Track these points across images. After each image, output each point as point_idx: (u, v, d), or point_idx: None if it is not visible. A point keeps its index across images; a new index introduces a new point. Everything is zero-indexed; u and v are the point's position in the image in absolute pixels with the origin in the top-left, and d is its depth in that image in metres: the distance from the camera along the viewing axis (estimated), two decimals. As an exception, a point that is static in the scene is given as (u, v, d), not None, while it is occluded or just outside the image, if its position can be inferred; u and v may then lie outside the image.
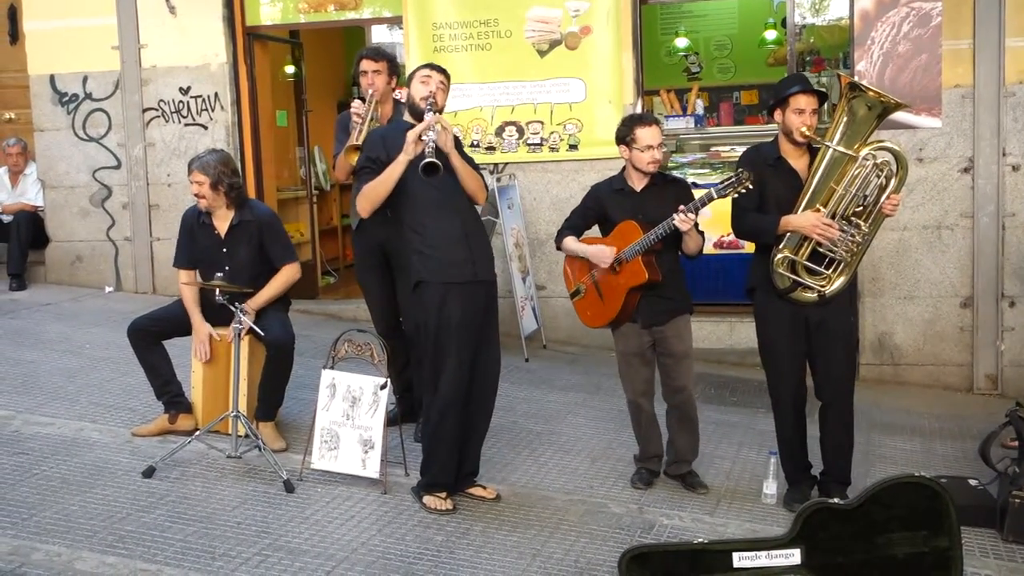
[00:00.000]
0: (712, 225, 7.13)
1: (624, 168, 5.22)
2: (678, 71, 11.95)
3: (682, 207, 4.86)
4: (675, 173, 7.94)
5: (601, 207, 5.24)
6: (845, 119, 4.87)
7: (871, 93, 4.86)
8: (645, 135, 5.03)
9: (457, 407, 4.88)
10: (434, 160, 4.56)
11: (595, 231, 5.36)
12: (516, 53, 8.40)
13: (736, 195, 4.87)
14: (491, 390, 5.10)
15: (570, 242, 5.26)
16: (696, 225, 5.01)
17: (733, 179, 4.84)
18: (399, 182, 4.81)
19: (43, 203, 9.61)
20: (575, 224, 5.30)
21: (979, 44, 7.52)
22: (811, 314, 5.02)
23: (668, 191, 5.05)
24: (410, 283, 4.98)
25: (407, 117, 5.01)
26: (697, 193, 5.11)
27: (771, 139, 5.20)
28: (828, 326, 5.03)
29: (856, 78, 5.01)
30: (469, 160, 5.02)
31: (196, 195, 5.67)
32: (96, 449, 5.56)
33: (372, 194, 4.84)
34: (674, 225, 4.87)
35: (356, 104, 5.72)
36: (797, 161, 5.03)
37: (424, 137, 4.64)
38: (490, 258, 5.06)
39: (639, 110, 8.32)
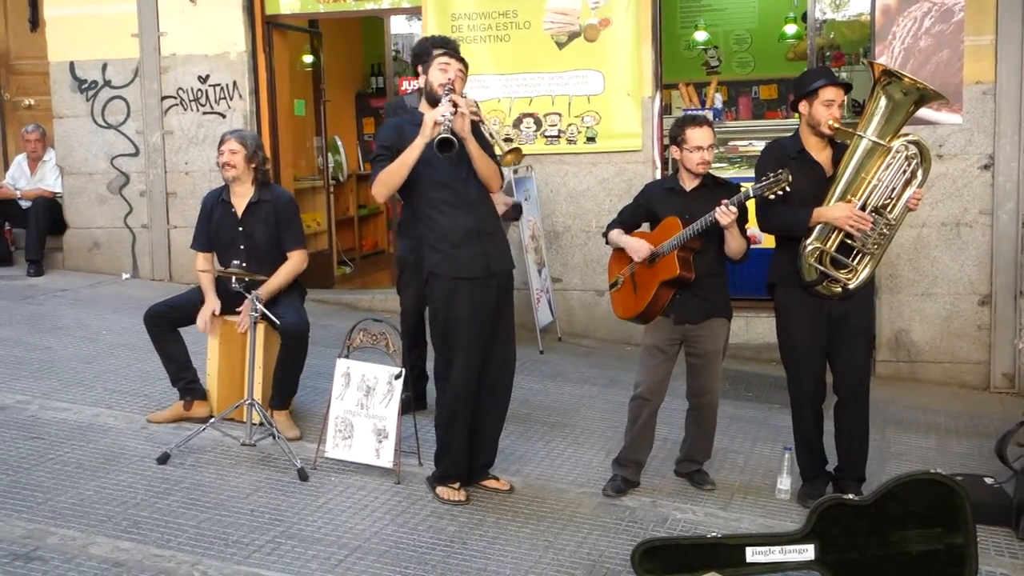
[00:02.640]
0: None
1: (678, 168, 5.20)
2: (697, 65, 11.92)
3: (724, 201, 4.82)
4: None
5: (651, 205, 5.22)
6: (880, 108, 4.79)
7: (907, 80, 4.77)
8: (695, 136, 4.98)
9: (467, 400, 4.88)
10: (448, 136, 4.55)
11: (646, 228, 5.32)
12: (535, 44, 8.38)
13: (773, 196, 4.79)
14: (506, 382, 5.09)
15: (614, 234, 5.25)
16: (744, 231, 5.00)
17: (771, 179, 4.77)
18: (412, 175, 4.81)
19: (61, 189, 9.65)
20: (625, 220, 5.29)
21: (1001, 40, 7.46)
22: (833, 308, 4.99)
23: (718, 193, 4.97)
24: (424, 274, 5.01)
25: (423, 105, 4.99)
26: None
27: (790, 134, 5.17)
28: (849, 320, 5.01)
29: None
30: (488, 148, 5.00)
31: (225, 163, 5.70)
32: (112, 435, 5.58)
33: (388, 179, 4.81)
34: (712, 220, 4.82)
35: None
36: (820, 154, 5.01)
37: (440, 119, 4.62)
38: (505, 249, 5.03)
39: (658, 104, 8.31)
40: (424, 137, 4.67)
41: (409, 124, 4.89)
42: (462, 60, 5.02)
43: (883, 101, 4.80)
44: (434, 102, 4.83)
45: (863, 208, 4.81)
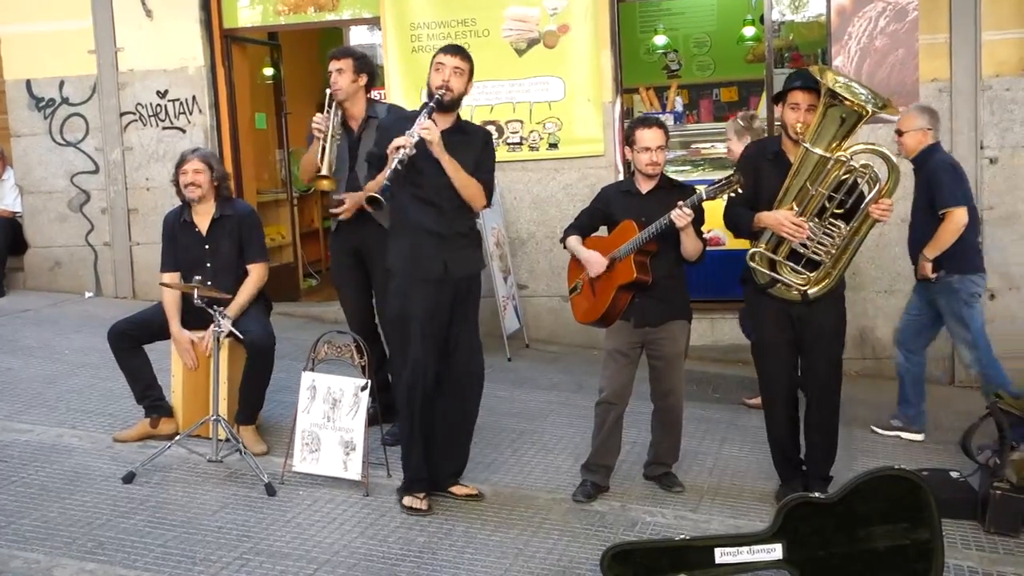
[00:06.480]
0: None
1: (634, 171, 5.22)
2: (657, 69, 11.98)
3: (680, 203, 4.83)
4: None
5: (607, 208, 5.24)
6: (824, 119, 4.73)
7: (847, 104, 4.65)
8: (643, 136, 5.01)
9: (421, 398, 4.84)
10: (376, 195, 4.53)
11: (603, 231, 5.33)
12: (494, 52, 8.38)
13: (726, 197, 4.85)
14: (473, 387, 5.07)
15: (572, 242, 5.25)
16: (701, 233, 5.03)
17: (724, 181, 4.84)
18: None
19: (21, 209, 9.56)
20: (582, 224, 5.30)
21: (955, 38, 7.55)
22: (794, 310, 4.98)
23: (674, 196, 4.98)
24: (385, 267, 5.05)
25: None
26: None
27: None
28: (813, 324, 4.99)
29: (833, 75, 4.84)
30: (485, 163, 4.93)
31: (191, 184, 5.66)
32: (76, 455, 5.52)
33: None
34: (668, 222, 4.84)
35: (317, 118, 5.63)
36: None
37: (398, 154, 4.58)
38: (469, 255, 4.99)
39: (618, 108, 8.33)
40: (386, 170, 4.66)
41: (402, 120, 4.89)
42: (460, 54, 4.86)
43: (826, 113, 4.75)
44: (432, 100, 4.80)
45: (803, 215, 4.80)
